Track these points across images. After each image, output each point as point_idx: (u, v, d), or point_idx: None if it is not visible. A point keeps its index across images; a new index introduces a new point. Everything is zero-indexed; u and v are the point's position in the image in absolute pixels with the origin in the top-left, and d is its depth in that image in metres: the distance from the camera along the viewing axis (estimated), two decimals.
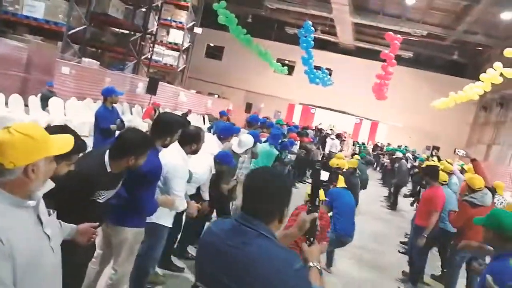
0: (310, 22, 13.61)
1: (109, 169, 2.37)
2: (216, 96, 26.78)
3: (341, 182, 5.23)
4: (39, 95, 10.22)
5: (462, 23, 19.80)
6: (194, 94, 21.16)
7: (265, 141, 6.05)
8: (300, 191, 10.41)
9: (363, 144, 21.58)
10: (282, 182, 1.51)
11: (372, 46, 26.06)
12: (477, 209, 4.48)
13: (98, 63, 14.68)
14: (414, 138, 25.59)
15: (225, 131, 4.90)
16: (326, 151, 14.63)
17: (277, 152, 6.14)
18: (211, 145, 4.76)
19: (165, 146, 2.87)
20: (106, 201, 2.47)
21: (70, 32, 13.35)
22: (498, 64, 10.46)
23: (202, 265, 1.50)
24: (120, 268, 2.80)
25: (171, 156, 3.09)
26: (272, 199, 1.45)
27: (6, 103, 8.84)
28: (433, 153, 17.26)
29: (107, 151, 2.39)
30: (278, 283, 1.30)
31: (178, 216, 3.99)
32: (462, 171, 7.90)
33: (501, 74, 10.46)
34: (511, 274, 2.23)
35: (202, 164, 4.12)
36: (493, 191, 5.47)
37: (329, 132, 17.55)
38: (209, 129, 9.21)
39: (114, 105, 5.30)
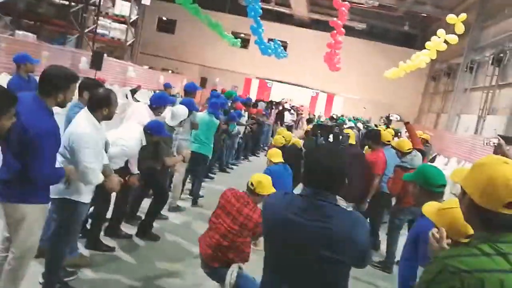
0: None
1: None
2: (170, 71, 25.92)
3: (278, 157, 4.79)
4: None
5: None
6: (145, 69, 20.28)
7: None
8: (254, 164, 10.33)
9: (319, 118, 21.69)
10: (345, 159, 1.75)
11: (327, 18, 25.96)
12: (408, 172, 4.50)
13: (35, 36, 13.62)
14: (370, 109, 26.11)
15: (157, 100, 4.55)
16: (288, 123, 14.59)
17: (217, 122, 5.88)
18: (142, 115, 4.43)
19: (61, 105, 2.49)
20: None
21: None
22: (441, 31, 10.61)
23: (280, 241, 1.70)
24: (18, 250, 2.47)
25: (77, 124, 2.77)
26: (340, 175, 1.69)
27: None
28: (385, 124, 17.62)
29: None
30: (362, 239, 1.62)
31: (105, 193, 3.69)
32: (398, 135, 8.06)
33: (445, 41, 10.63)
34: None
35: (132, 135, 3.81)
36: (424, 152, 5.58)
37: (287, 106, 17.48)
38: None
39: (31, 74, 4.79)
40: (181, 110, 4.61)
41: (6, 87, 2.78)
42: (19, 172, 2.34)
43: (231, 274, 2.89)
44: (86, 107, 2.86)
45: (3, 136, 2.20)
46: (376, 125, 13.31)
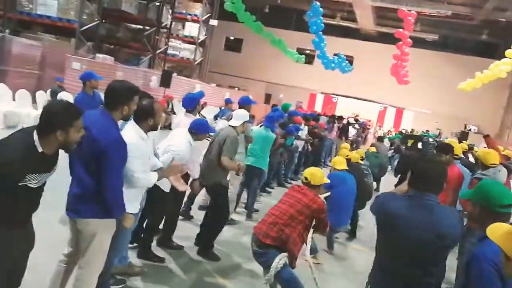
0: (318, 3, 13.04)
1: (40, 149, 2.12)
2: (237, 88, 26.62)
3: (342, 164, 4.90)
4: (49, 90, 10.32)
5: (489, 1, 18.65)
6: (211, 87, 21.05)
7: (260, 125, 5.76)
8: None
9: (389, 134, 20.75)
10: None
11: (394, 30, 25.07)
12: None
13: (113, 58, 14.79)
14: (442, 124, 24.48)
15: (198, 127, 4.22)
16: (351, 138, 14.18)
17: (274, 135, 5.83)
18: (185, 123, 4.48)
19: (125, 118, 2.60)
20: (42, 186, 2.24)
21: (82, 29, 13.49)
22: None
23: (394, 235, 2.14)
24: (88, 267, 2.51)
25: (124, 135, 2.87)
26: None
27: (14, 99, 8.93)
28: (458, 138, 16.40)
29: (35, 130, 2.16)
30: (458, 229, 2.14)
31: (157, 206, 3.78)
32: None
33: None
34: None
35: (179, 139, 3.87)
36: (510, 168, 4.98)
37: (352, 120, 17.01)
38: (215, 117, 9.00)
39: (96, 90, 5.14)
40: (242, 111, 4.70)
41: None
42: (91, 187, 2.39)
43: (280, 260, 2.94)
44: (132, 119, 2.97)
45: (73, 150, 2.25)
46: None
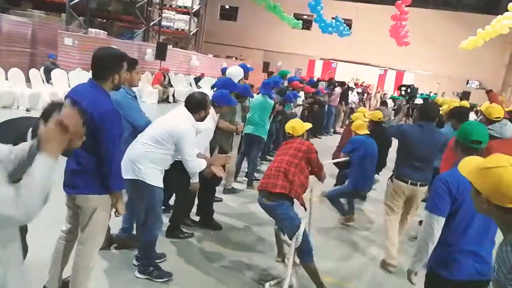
0: None
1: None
2: (234, 58, 26.20)
3: (363, 128, 4.87)
4: (42, 68, 10.15)
5: None
6: (208, 57, 20.68)
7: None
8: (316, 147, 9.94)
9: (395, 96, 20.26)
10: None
11: None
12: (496, 141, 3.97)
13: (106, 32, 14.45)
14: (444, 84, 24.19)
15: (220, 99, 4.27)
16: (351, 104, 13.95)
17: (272, 102, 5.72)
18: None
19: (117, 87, 2.47)
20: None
21: (72, 3, 13.10)
22: None
23: (412, 146, 3.79)
24: (88, 242, 2.49)
25: (180, 120, 3.04)
26: (436, 116, 4.30)
27: (7, 78, 8.78)
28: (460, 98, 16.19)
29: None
30: (444, 140, 3.92)
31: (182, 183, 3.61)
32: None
33: None
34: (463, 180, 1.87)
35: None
36: None
37: (352, 85, 16.69)
38: (212, 87, 8.83)
39: None
40: (236, 68, 4.66)
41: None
42: (89, 162, 2.33)
43: (301, 227, 3.02)
44: (184, 106, 3.14)
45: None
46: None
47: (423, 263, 2.22)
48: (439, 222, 2.12)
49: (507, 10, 11.26)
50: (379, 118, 5.45)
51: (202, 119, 3.17)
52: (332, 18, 19.16)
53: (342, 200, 4.99)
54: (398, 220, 4.05)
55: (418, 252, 2.21)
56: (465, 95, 18.06)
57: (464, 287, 2.10)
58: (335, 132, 12.28)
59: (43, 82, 9.76)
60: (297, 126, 3.53)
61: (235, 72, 4.86)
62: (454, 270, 2.09)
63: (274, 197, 3.11)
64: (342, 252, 4.25)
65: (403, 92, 6.21)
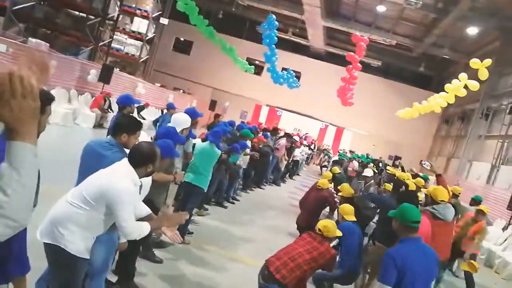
0: (274, 16, 12.93)
1: None
2: (181, 91, 25.84)
3: (351, 215, 4.67)
4: None
5: (430, 36, 19.89)
6: (154, 87, 20.13)
7: (204, 140, 5.35)
8: (255, 198, 9.71)
9: (342, 153, 20.73)
10: None
11: (343, 52, 25.91)
12: (437, 222, 4.15)
13: (48, 45, 13.51)
14: (378, 146, 25.61)
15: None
16: (297, 157, 14.05)
17: (219, 152, 5.43)
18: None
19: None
20: None
21: (14, 8, 12.16)
22: (463, 75, 10.22)
23: None
24: None
25: (117, 177, 2.41)
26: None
27: None
28: (396, 163, 17.16)
29: None
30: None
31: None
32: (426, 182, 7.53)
33: (466, 86, 10.22)
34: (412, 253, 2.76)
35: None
36: (456, 208, 5.09)
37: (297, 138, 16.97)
38: (154, 122, 8.41)
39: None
40: (183, 116, 4.27)
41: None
42: None
43: None
44: (127, 159, 2.53)
45: None
46: (393, 166, 12.69)
47: None
48: None
49: (437, 88, 12.34)
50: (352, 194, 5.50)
51: (148, 175, 2.63)
52: (283, 69, 19.76)
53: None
54: None
55: None
56: (397, 158, 19.52)
57: None
58: (274, 183, 12.15)
59: None
60: (330, 227, 3.56)
61: (180, 121, 4.27)
62: None
63: (270, 279, 3.18)
64: None
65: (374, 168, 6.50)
